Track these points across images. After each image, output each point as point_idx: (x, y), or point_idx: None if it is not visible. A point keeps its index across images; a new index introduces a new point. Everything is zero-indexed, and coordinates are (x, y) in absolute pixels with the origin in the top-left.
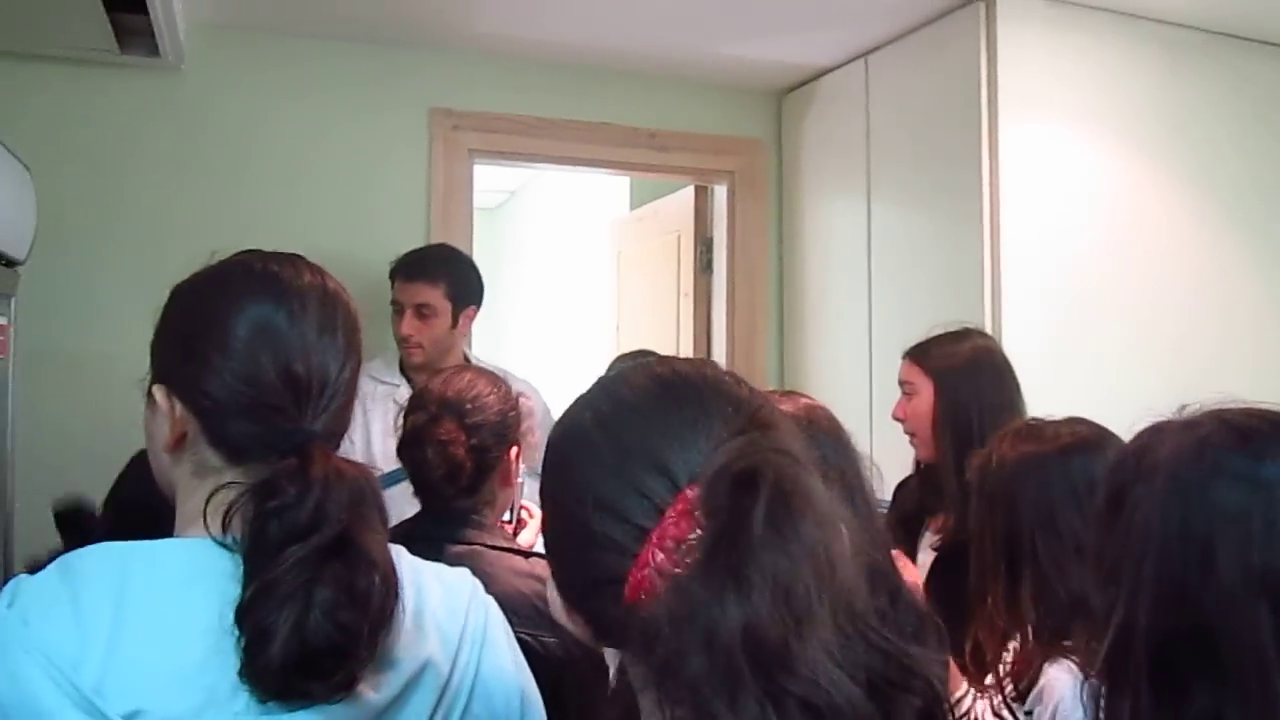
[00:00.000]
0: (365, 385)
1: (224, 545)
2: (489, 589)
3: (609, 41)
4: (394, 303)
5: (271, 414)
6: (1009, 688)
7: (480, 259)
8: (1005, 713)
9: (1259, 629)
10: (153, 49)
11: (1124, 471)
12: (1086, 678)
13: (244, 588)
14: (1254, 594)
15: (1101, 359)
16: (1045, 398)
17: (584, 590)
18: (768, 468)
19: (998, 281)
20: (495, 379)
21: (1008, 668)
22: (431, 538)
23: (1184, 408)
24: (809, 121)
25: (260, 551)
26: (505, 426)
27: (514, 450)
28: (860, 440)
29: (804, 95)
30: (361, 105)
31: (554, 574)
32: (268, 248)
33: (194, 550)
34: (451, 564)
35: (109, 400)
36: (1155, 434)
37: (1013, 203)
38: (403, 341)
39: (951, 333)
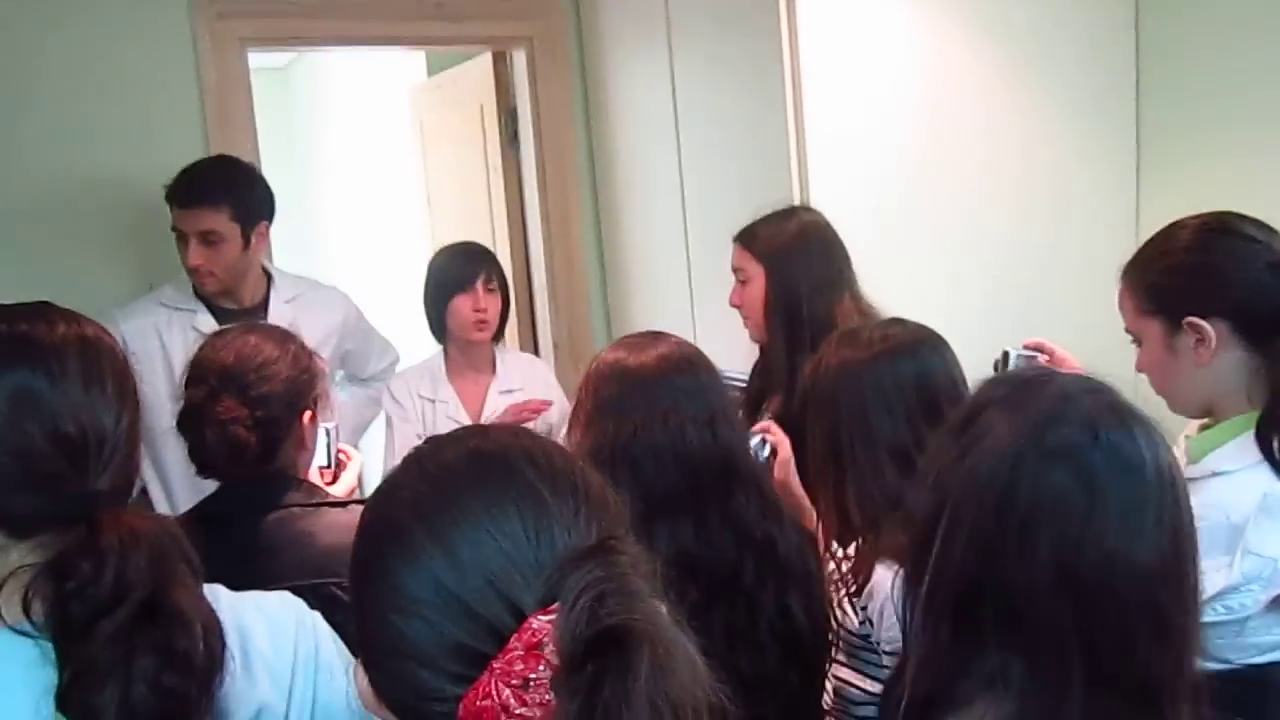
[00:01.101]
0: (159, 314)
1: (24, 633)
2: (313, 547)
3: None
4: (174, 229)
5: (50, 482)
6: (851, 586)
7: (273, 126)
8: (847, 607)
9: (1063, 616)
10: None
11: (985, 395)
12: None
13: (60, 672)
14: (1060, 588)
15: (924, 240)
16: (865, 282)
17: (400, 696)
18: (641, 637)
19: (803, 158)
20: (284, 337)
21: (847, 565)
22: (240, 511)
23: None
24: None
25: (69, 635)
26: (296, 394)
27: (307, 415)
28: (683, 314)
29: None
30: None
31: (364, 665)
32: (29, 178)
33: None
34: (268, 533)
35: None
36: (1036, 377)
37: (814, 74)
38: (192, 272)
39: (777, 212)
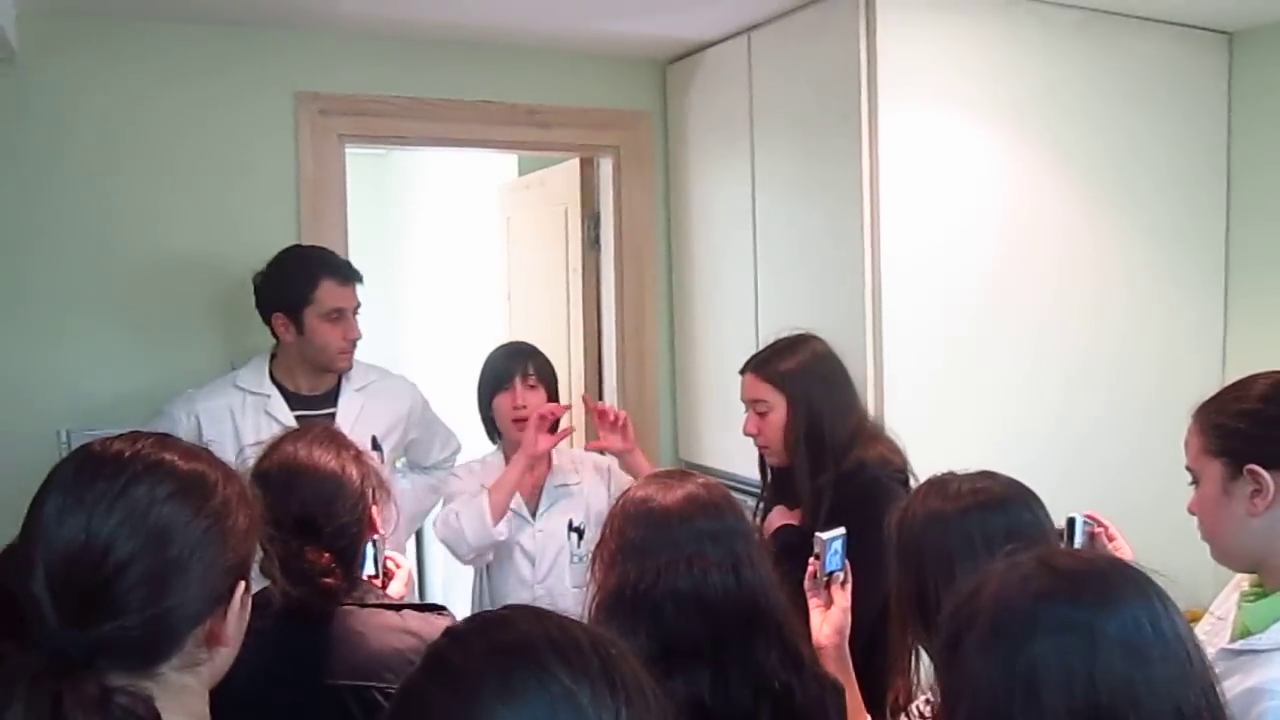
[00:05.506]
0: (234, 397)
1: None
2: (363, 649)
3: (483, 19)
4: (335, 310)
5: None
6: None
7: (367, 207)
8: None
9: None
10: None
11: (958, 618)
12: None
13: None
14: None
15: (996, 361)
16: (932, 401)
17: None
18: None
19: (878, 275)
20: (338, 445)
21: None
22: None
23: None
24: (693, 94)
25: None
26: (359, 506)
27: (374, 510)
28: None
29: (688, 66)
30: (221, 91)
31: None
32: (127, 251)
33: None
34: (321, 627)
35: None
36: (983, 578)
37: (893, 192)
38: (350, 346)
39: (786, 341)
